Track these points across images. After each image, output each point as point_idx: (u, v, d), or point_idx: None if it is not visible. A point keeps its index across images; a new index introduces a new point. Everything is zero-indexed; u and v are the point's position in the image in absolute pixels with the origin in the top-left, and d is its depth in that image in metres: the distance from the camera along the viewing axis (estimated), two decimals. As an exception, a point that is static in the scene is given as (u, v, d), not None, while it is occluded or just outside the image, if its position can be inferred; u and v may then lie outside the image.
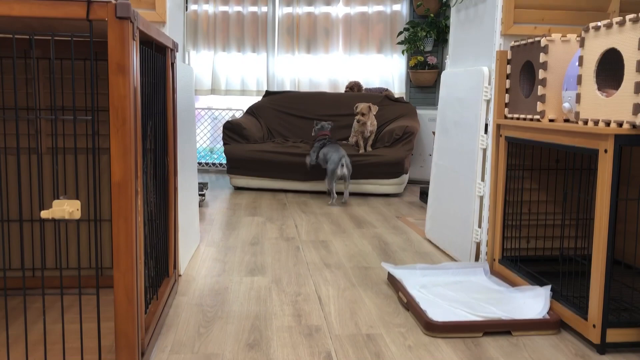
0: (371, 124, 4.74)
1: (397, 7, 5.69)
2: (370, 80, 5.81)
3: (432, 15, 5.38)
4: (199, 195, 4.14)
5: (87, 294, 2.21)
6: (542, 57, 2.20)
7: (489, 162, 2.60)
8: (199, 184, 4.55)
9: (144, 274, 1.62)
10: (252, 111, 5.51)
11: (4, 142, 2.17)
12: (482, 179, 2.65)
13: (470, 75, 2.74)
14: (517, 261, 2.46)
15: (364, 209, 4.21)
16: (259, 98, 5.81)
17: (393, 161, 4.60)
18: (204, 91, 6.07)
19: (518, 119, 2.40)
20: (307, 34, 5.83)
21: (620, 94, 1.75)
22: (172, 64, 2.21)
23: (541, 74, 2.20)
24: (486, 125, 2.62)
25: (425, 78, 5.52)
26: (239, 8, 5.91)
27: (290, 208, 4.19)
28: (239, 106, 6.17)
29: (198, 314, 2.08)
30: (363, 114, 4.68)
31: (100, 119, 2.23)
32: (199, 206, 4.14)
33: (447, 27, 5.44)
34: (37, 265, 2.23)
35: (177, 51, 2.31)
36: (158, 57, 2.00)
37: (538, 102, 2.22)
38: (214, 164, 6.15)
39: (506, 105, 2.52)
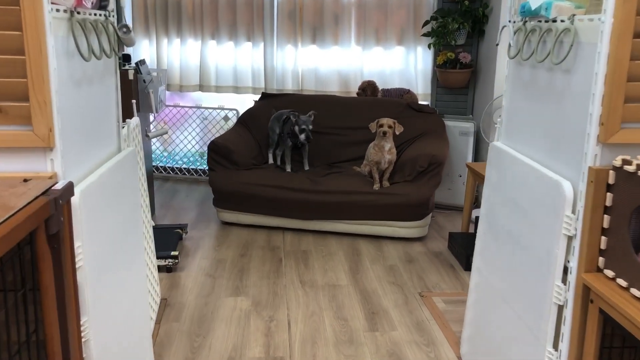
0: (390, 152, 3.80)
1: (423, -13, 4.61)
2: (388, 78, 4.80)
3: (466, 2, 4.31)
4: (170, 259, 3.30)
5: None
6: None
7: (567, 326, 1.71)
8: (176, 229, 3.71)
9: None
10: (244, 121, 4.57)
11: None
12: (555, 347, 1.77)
13: (540, 182, 1.80)
14: None
15: (378, 272, 3.35)
16: (256, 97, 4.86)
17: (416, 202, 3.69)
18: (191, 87, 5.12)
19: (625, 289, 1.50)
20: (313, 21, 4.79)
21: None
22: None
23: (682, 249, 1.29)
24: (565, 269, 1.72)
25: (455, 78, 4.52)
26: (230, -13, 4.86)
27: (286, 271, 3.35)
28: (232, 104, 5.23)
29: None
30: (390, 127, 3.75)
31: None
32: (170, 271, 3.32)
33: (485, 17, 4.39)
34: None
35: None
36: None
37: (673, 295, 1.32)
38: (204, 172, 5.28)
39: (601, 253, 1.61)
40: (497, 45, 2.13)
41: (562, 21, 1.76)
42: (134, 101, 2.67)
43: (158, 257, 3.26)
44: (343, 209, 3.78)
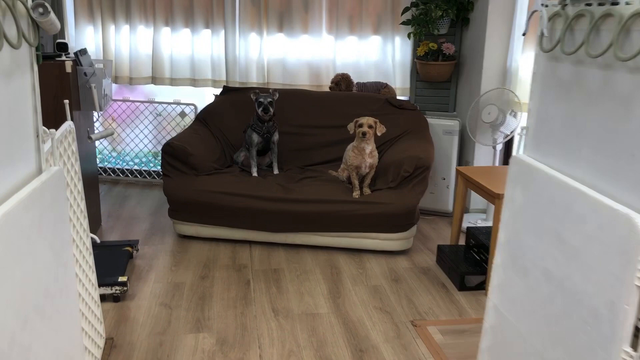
0: (371, 155, 3.36)
1: (401, -29, 4.17)
2: (363, 71, 4.36)
3: (451, -13, 3.91)
4: (117, 286, 2.79)
5: None
6: None
7: (637, 404, 1.31)
8: (125, 247, 3.19)
9: None
10: (203, 118, 4.06)
11: None
12: None
13: (598, 214, 1.39)
14: None
15: (361, 295, 2.92)
16: (217, 91, 4.35)
17: (401, 211, 3.27)
18: (143, 79, 4.56)
19: None
20: (279, 6, 4.30)
21: None
22: None
23: None
24: (636, 329, 1.32)
25: (437, 71, 4.11)
26: (185, -33, 4.32)
27: (256, 296, 2.88)
28: (189, 99, 4.70)
29: None
30: (370, 126, 3.30)
31: None
32: (118, 300, 2.81)
33: (471, 4, 3.98)
34: None
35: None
36: None
37: None
38: (158, 174, 4.75)
39: (695, 314, 1.21)
40: (524, 35, 1.71)
41: (627, 3, 1.34)
42: (66, 101, 2.14)
43: (103, 285, 2.75)
44: (319, 219, 3.33)
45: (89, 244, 2.28)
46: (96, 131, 4.63)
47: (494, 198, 2.86)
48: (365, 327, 2.63)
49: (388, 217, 3.28)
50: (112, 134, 3.41)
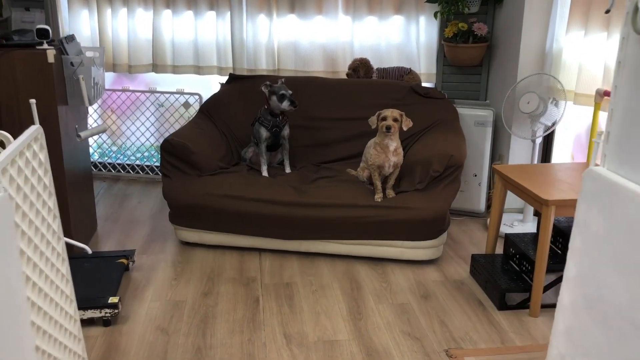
0: (395, 153, 2.96)
1: (426, -58, 3.72)
2: (384, 55, 3.93)
3: (483, -41, 3.46)
4: (107, 308, 2.43)
5: None
6: None
7: None
8: (119, 258, 2.84)
9: None
10: (207, 110, 3.67)
11: None
12: None
13: None
14: None
15: (386, 316, 2.54)
16: (223, 79, 3.96)
17: (429, 217, 2.88)
18: (143, 67, 4.18)
19: None
20: (291, -16, 3.89)
21: None
22: None
23: None
24: None
25: (468, 55, 3.68)
26: (186, -58, 3.91)
27: (265, 317, 2.51)
28: (194, 88, 4.31)
29: None
30: (395, 120, 2.90)
31: None
32: (108, 324, 2.46)
33: (506, -22, 3.54)
34: None
35: None
36: None
37: None
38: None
39: None
40: (608, 12, 1.30)
41: None
42: (32, 101, 1.77)
43: (91, 307, 2.40)
44: (336, 226, 2.95)
45: (65, 269, 1.92)
46: (94, 125, 4.28)
47: (542, 205, 2.46)
48: (392, 358, 2.25)
49: (415, 223, 2.89)
50: (104, 130, 3.05)
